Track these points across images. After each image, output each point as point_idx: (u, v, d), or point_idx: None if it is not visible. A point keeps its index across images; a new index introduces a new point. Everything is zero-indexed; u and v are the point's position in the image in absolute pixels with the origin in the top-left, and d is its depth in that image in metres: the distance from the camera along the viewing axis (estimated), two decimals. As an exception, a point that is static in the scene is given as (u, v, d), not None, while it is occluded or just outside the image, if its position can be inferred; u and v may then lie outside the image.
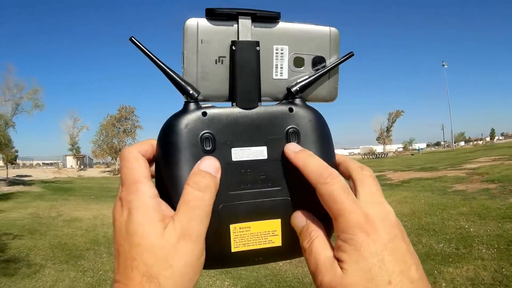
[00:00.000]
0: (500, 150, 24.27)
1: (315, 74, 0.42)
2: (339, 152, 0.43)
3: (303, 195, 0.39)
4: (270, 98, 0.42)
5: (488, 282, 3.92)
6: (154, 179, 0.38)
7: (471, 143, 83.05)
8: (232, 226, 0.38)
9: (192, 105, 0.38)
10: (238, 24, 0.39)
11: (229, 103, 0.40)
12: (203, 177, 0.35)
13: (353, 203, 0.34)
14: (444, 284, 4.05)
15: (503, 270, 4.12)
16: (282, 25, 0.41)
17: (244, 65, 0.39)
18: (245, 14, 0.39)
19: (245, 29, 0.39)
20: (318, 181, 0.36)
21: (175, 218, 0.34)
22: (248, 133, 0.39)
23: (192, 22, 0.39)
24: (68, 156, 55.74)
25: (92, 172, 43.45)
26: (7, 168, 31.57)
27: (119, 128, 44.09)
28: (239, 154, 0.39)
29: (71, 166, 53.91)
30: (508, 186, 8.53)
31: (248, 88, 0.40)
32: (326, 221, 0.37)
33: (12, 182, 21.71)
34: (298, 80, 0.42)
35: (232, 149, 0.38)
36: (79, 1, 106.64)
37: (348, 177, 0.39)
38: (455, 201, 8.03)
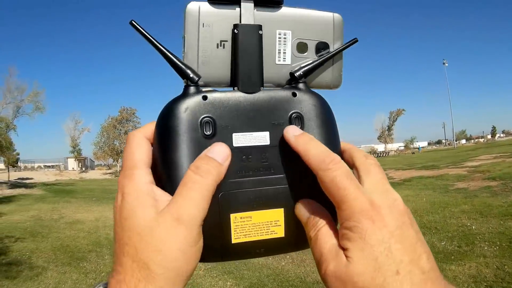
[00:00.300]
0: (502, 148, 24.18)
1: (319, 59, 0.41)
2: None
3: (307, 183, 0.37)
4: (272, 83, 0.41)
5: (490, 279, 3.91)
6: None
7: (472, 141, 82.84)
8: (232, 216, 0.36)
9: (192, 89, 0.37)
10: (240, 7, 0.38)
11: (231, 89, 0.39)
12: (206, 162, 0.34)
13: (357, 189, 0.33)
14: (446, 282, 4.03)
15: (505, 267, 4.11)
16: (285, 10, 0.40)
17: (246, 49, 0.38)
18: None
19: (248, 12, 0.39)
20: (320, 167, 0.34)
21: (170, 202, 0.33)
22: (250, 118, 0.38)
23: (193, 5, 0.38)
24: (70, 158, 55.86)
25: (94, 174, 43.43)
26: (8, 171, 31.59)
27: (121, 129, 44.03)
28: (241, 139, 0.37)
29: (73, 168, 54.05)
30: (509, 184, 8.53)
31: (250, 72, 0.39)
32: (332, 210, 0.35)
33: (13, 185, 21.77)
34: (302, 65, 0.41)
35: (233, 134, 0.37)
36: (80, 3, 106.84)
37: (352, 165, 0.38)
38: (457, 199, 8.02)
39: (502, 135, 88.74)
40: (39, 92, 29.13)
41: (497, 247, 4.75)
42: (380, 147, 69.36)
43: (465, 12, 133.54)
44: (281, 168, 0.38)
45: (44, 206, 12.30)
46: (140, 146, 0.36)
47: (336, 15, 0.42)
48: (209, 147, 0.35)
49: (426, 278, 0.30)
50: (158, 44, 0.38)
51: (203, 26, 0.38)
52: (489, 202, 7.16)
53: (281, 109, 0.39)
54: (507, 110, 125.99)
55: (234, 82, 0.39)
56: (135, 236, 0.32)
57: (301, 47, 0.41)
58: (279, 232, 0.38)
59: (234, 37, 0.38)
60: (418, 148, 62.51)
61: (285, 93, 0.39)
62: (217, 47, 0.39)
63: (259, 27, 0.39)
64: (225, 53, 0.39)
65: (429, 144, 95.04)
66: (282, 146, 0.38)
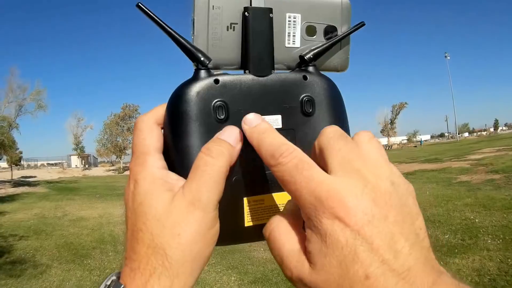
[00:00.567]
0: (504, 141, 24.15)
1: (328, 42, 0.41)
2: None
3: None
4: (282, 66, 0.41)
5: (494, 272, 3.91)
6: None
7: (475, 134, 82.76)
8: (245, 199, 0.37)
9: (203, 73, 0.37)
10: None
11: (241, 71, 0.39)
12: (218, 144, 0.33)
13: (310, 181, 0.28)
14: (450, 275, 4.04)
15: (509, 260, 4.11)
16: None
17: (257, 32, 0.38)
18: None
19: None
20: (270, 163, 0.31)
21: (184, 186, 0.32)
22: (262, 101, 0.37)
23: None
24: (73, 156, 56.09)
25: (97, 171, 43.65)
26: (11, 170, 31.72)
27: (123, 126, 44.22)
28: None
29: (76, 165, 54.22)
30: (513, 176, 8.49)
31: (261, 55, 0.38)
32: None
33: (17, 183, 21.85)
34: (312, 48, 0.41)
35: None
36: (81, 2, 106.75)
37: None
38: (460, 192, 8.01)
39: (504, 128, 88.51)
40: (41, 90, 29.14)
41: (501, 240, 4.75)
42: (383, 141, 69.30)
43: (467, 5, 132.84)
44: None
45: (47, 204, 12.36)
46: (150, 131, 0.35)
47: None
48: (221, 131, 0.35)
49: (403, 279, 0.25)
50: (167, 27, 0.37)
51: (213, 9, 0.37)
52: (492, 195, 7.15)
53: (292, 93, 0.39)
54: (509, 103, 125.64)
55: (245, 65, 0.39)
56: (151, 221, 0.31)
57: (310, 31, 0.41)
58: None
59: (245, 20, 0.38)
60: (420, 142, 62.48)
61: (296, 76, 0.39)
62: (227, 29, 0.38)
63: (270, 10, 0.39)
64: (235, 36, 0.39)
65: (432, 137, 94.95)
66: (294, 130, 0.38)
